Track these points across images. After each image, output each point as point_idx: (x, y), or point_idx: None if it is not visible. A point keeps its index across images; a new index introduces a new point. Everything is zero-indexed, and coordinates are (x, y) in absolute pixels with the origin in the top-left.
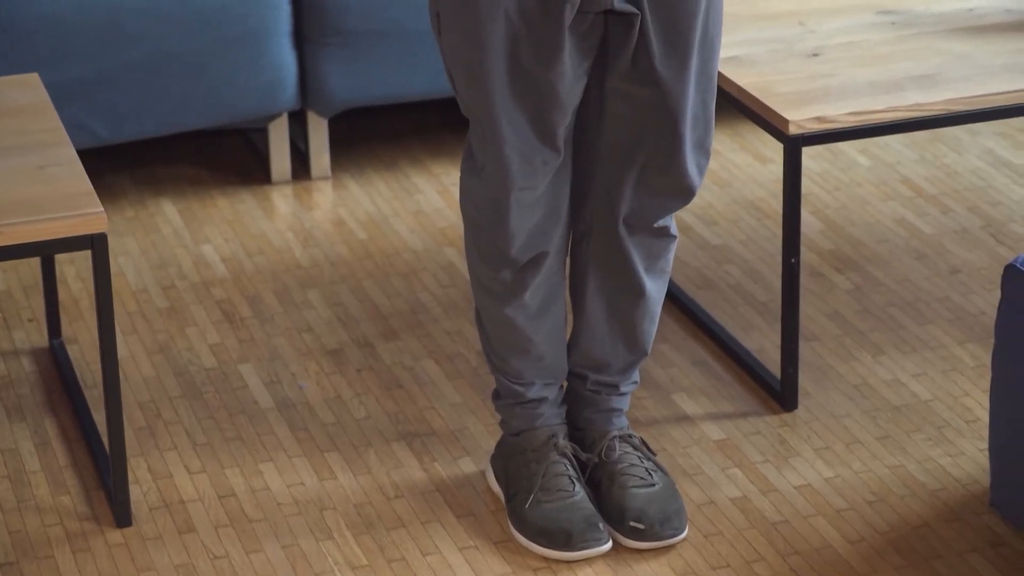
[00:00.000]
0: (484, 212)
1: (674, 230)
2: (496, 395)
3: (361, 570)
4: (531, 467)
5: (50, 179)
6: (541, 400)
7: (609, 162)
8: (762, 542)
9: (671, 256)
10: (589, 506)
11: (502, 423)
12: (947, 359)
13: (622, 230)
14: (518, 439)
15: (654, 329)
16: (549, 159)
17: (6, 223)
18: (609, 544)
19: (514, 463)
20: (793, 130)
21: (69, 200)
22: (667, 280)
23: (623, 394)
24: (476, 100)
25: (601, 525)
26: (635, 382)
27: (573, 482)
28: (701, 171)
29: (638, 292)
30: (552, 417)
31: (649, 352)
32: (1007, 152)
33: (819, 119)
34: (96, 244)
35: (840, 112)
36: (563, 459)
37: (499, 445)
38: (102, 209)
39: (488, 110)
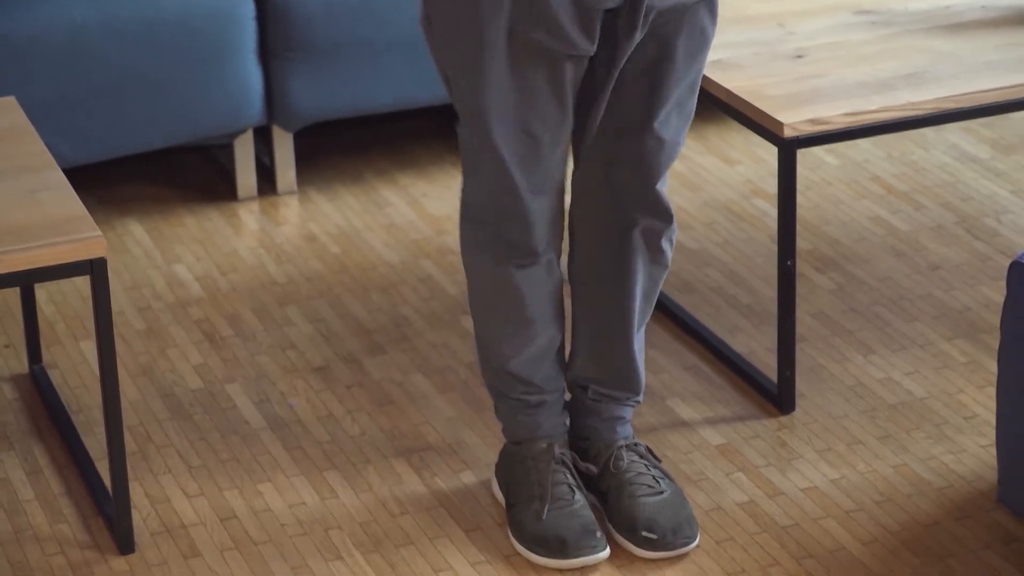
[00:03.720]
0: (492, 208)
1: (668, 259)
2: (496, 405)
3: None
4: (531, 476)
5: (42, 204)
6: (540, 405)
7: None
8: (775, 546)
9: (659, 287)
10: (588, 514)
11: (504, 431)
12: (937, 356)
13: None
14: (519, 448)
15: (642, 358)
16: (563, 126)
17: (2, 251)
18: (607, 552)
19: (515, 472)
20: (788, 133)
21: (65, 225)
22: (651, 304)
23: (626, 404)
24: (473, 97)
25: (599, 533)
26: (638, 400)
27: (573, 490)
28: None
29: (627, 323)
30: (552, 427)
31: (641, 390)
32: (972, 147)
33: (813, 121)
34: (95, 269)
35: (834, 113)
36: (563, 468)
37: (501, 454)
38: (100, 233)
39: (483, 107)
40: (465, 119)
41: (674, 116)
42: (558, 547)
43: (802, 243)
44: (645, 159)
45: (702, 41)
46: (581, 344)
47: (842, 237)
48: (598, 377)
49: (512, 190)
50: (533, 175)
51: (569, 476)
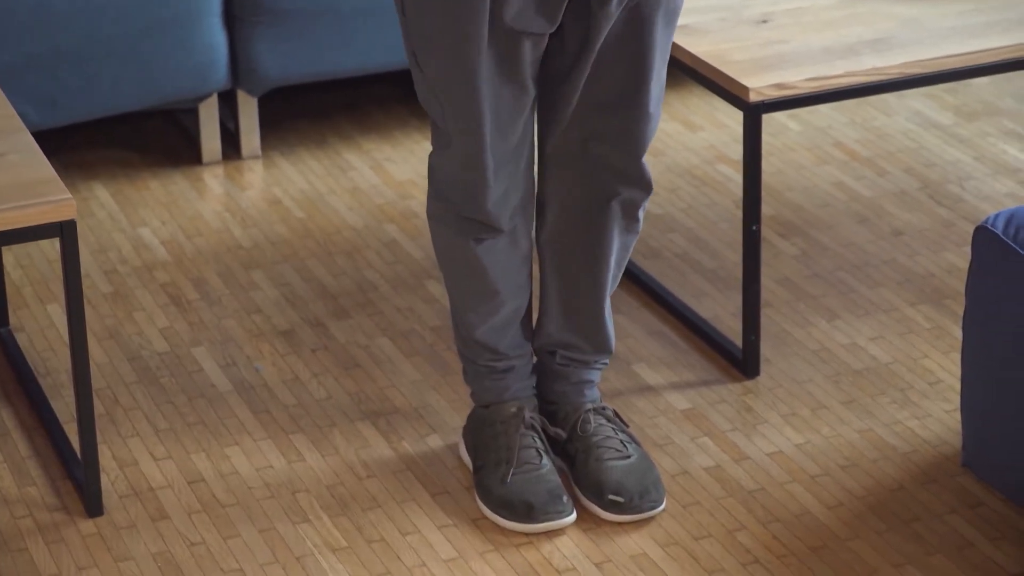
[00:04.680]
0: (456, 185)
1: (640, 226)
2: (465, 368)
3: (342, 552)
4: (499, 440)
5: (11, 167)
6: (508, 370)
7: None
8: (741, 511)
9: (630, 251)
10: (555, 479)
11: (472, 395)
12: (901, 321)
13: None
14: (487, 411)
15: (611, 322)
16: (522, 102)
17: None
18: (573, 516)
19: (483, 435)
20: (754, 97)
21: (35, 187)
22: (622, 270)
23: (594, 368)
24: (452, 77)
25: (565, 497)
26: (605, 362)
27: (540, 455)
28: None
29: (599, 284)
30: (521, 389)
31: (612, 349)
32: (935, 113)
33: (779, 86)
34: (66, 231)
35: (799, 78)
36: (531, 432)
37: (470, 417)
38: (70, 195)
39: (467, 84)
40: (441, 97)
41: (655, 87)
42: (524, 511)
43: (765, 208)
44: (633, 133)
45: (674, 9)
46: (551, 311)
47: (805, 203)
48: (568, 342)
49: (480, 167)
50: (498, 152)
51: (537, 440)
